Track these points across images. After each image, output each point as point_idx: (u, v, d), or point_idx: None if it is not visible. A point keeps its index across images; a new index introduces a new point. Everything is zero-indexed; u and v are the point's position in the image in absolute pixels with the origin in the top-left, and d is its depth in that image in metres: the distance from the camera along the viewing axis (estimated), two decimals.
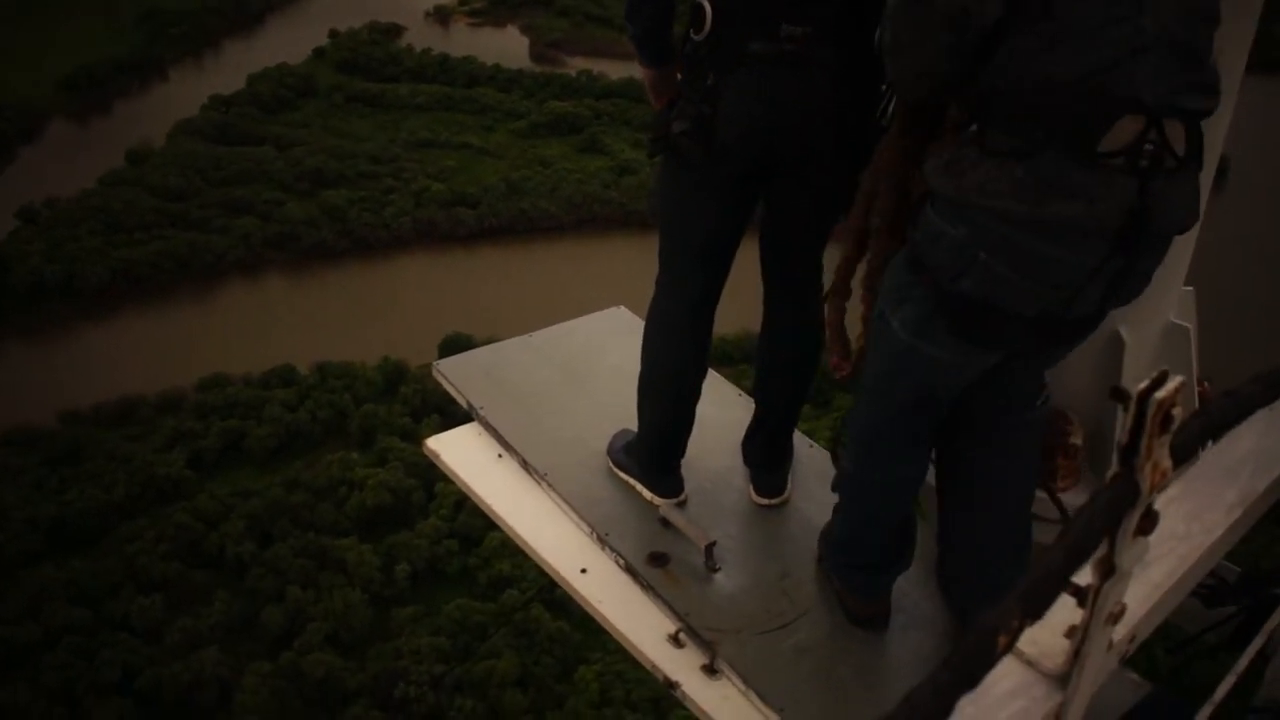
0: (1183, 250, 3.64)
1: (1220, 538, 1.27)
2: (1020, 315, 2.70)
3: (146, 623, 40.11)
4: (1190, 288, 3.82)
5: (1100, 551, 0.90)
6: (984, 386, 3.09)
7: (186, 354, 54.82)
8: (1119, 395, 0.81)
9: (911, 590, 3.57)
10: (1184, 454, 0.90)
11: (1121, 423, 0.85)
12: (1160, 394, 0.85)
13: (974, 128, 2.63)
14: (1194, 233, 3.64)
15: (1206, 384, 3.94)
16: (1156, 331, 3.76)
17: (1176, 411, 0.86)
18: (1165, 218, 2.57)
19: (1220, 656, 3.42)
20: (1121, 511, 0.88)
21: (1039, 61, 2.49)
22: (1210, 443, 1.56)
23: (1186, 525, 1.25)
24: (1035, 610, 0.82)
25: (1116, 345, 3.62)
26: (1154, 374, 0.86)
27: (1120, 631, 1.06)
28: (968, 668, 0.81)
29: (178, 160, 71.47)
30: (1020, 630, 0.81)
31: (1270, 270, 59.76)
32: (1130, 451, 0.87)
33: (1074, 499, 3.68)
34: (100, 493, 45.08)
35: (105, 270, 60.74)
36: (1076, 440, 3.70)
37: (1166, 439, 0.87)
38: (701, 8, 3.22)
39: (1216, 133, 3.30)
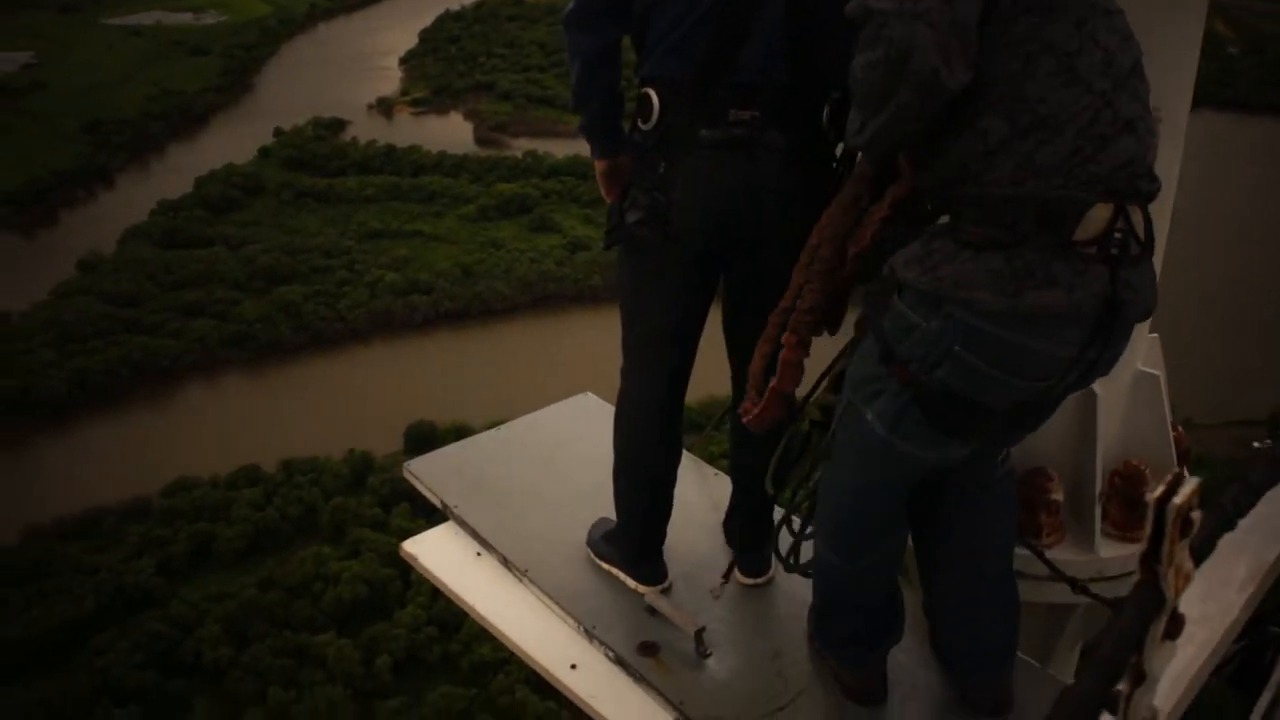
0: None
1: (1237, 616, 1.25)
2: (996, 408, 2.71)
3: None
4: (1155, 334, 3.85)
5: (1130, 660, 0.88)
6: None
7: (149, 460, 54.22)
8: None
9: (906, 660, 3.52)
10: (1204, 553, 0.88)
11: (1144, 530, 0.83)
12: (1178, 500, 0.83)
13: (944, 219, 2.64)
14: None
15: (1180, 429, 3.96)
16: (1126, 381, 3.78)
17: (1195, 515, 0.84)
18: (1135, 305, 2.60)
19: (1225, 694, 3.40)
20: (1149, 620, 0.86)
21: (1017, 146, 2.51)
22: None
23: (1202, 607, 1.23)
24: None
25: (1089, 398, 3.63)
26: (1168, 478, 0.84)
27: None
28: None
29: (129, 266, 71.14)
30: None
31: (1227, 307, 60.73)
32: (1152, 558, 0.85)
33: (1059, 555, 3.66)
34: (69, 607, 44.25)
35: (61, 381, 60.09)
36: (1057, 496, 3.70)
37: (1187, 542, 0.85)
38: (648, 96, 3.24)
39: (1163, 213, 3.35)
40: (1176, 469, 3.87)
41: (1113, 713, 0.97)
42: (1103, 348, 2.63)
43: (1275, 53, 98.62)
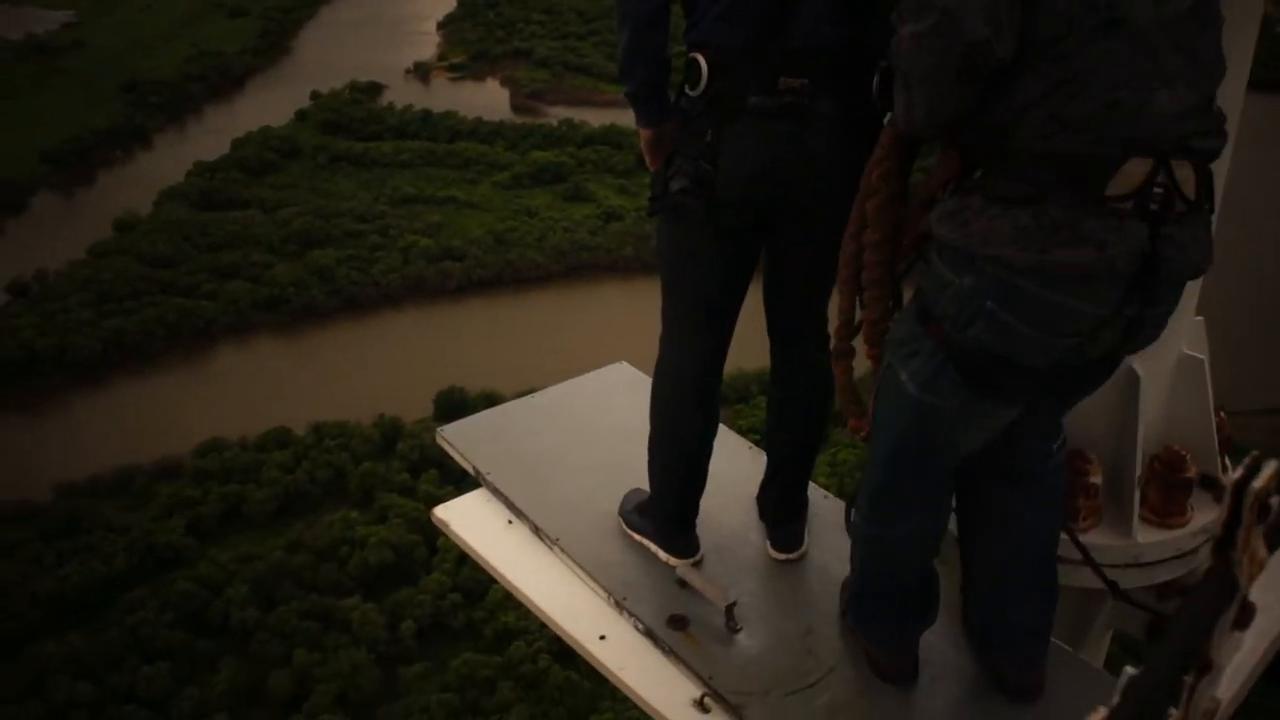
0: (1192, 284, 3.61)
1: None
2: (1031, 366, 2.66)
3: (153, 693, 39.81)
4: (1200, 318, 3.79)
5: None
6: (1002, 434, 3.04)
7: (181, 421, 54.65)
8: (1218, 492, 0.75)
9: (938, 641, 3.49)
10: (1279, 539, 0.85)
11: (1218, 515, 0.80)
12: (1257, 483, 0.80)
13: (978, 174, 2.59)
14: None
15: (1223, 413, 3.90)
16: (1170, 364, 3.72)
17: (1274, 500, 0.80)
18: (1178, 263, 2.52)
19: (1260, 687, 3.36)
20: (1220, 608, 0.83)
21: (1047, 102, 2.45)
22: None
23: (1262, 596, 1.19)
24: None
25: (1132, 381, 3.58)
26: (1246, 461, 0.81)
27: None
28: None
29: (165, 228, 71.54)
30: None
31: (1263, 292, 60.11)
32: (1226, 544, 0.82)
33: (1095, 539, 3.62)
34: (100, 564, 44.82)
35: (97, 340, 60.63)
36: (1096, 479, 3.65)
37: (1262, 528, 0.81)
38: (696, 62, 3.18)
39: (1220, 172, 3.28)
40: (1218, 455, 3.82)
41: (1175, 704, 0.94)
42: (1143, 305, 2.55)
43: None
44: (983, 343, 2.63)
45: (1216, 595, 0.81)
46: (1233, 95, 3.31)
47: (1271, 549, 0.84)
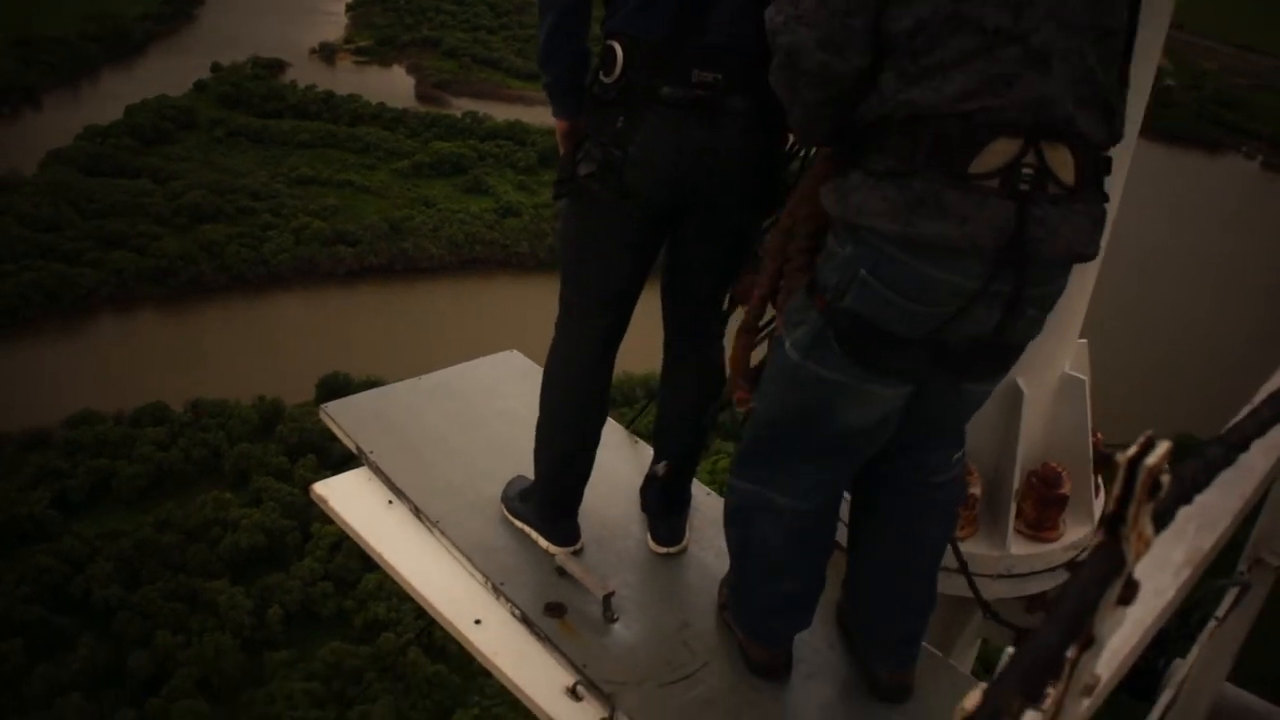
0: (1077, 304, 3.70)
1: (1171, 598, 1.24)
2: (907, 338, 2.69)
3: (5, 670, 38.64)
4: (1084, 340, 3.88)
5: None
6: (899, 432, 3.05)
7: (54, 390, 53.27)
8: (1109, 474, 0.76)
9: (812, 639, 3.52)
10: (1163, 522, 0.86)
11: (1110, 490, 0.81)
12: (1150, 460, 0.81)
13: (857, 150, 2.64)
14: (1089, 288, 3.72)
15: (1099, 435, 4.00)
16: (1053, 382, 3.81)
17: (1165, 478, 0.82)
18: (1051, 244, 2.53)
19: (1122, 700, 3.45)
20: (1107, 582, 0.84)
21: (910, 94, 2.51)
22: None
23: (1144, 583, 1.21)
24: (1035, 692, 0.76)
25: (1015, 396, 3.66)
26: (1141, 439, 0.82)
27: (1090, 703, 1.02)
28: None
29: (49, 190, 69.67)
30: (1021, 713, 0.76)
31: (1154, 325, 62.33)
32: (1117, 521, 0.83)
33: (971, 548, 3.69)
34: None
35: None
36: (975, 490, 3.72)
37: (1151, 506, 0.83)
38: (612, 50, 3.19)
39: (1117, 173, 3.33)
40: (1092, 474, 3.92)
41: (1054, 679, 0.95)
42: (1017, 283, 2.57)
43: (1212, 88, 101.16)
44: (858, 310, 2.68)
45: (1104, 570, 0.82)
46: (1125, 136, 3.39)
47: (1158, 529, 0.85)
